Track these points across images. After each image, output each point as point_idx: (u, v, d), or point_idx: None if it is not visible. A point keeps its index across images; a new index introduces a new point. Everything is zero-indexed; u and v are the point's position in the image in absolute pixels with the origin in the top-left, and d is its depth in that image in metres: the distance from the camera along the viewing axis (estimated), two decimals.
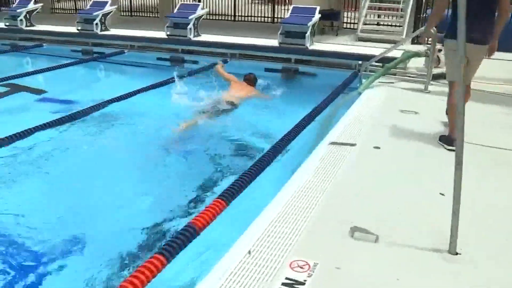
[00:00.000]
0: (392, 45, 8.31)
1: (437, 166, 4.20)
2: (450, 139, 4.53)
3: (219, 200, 3.66)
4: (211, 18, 17.78)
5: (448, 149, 4.49)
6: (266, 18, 17.07)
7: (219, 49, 10.34)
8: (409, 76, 8.15)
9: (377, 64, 8.18)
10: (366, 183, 3.86)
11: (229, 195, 3.74)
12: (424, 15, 12.17)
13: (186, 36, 10.66)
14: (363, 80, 7.83)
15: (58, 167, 5.26)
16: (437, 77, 7.56)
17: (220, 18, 17.70)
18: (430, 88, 7.12)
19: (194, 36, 10.78)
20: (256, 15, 17.32)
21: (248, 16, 17.42)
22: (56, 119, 6.13)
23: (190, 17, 10.58)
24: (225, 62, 9.75)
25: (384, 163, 4.30)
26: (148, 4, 18.99)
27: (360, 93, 7.19)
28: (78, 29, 12.13)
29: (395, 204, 3.46)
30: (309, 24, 9.50)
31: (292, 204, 3.42)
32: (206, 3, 18.53)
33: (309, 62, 9.64)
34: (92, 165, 5.35)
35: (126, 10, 19.20)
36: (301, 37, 9.55)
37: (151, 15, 18.01)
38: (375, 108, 6.21)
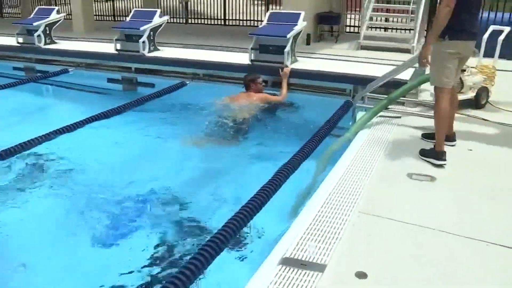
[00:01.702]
0: (399, 64, 6.01)
1: None
2: (437, 152, 4.13)
3: None
4: (199, 22, 15.73)
5: (438, 164, 4.07)
6: (258, 22, 14.89)
7: (177, 67, 8.13)
8: (423, 105, 5.91)
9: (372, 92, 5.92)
10: None
11: None
12: None
13: (138, 52, 8.45)
14: (358, 114, 5.60)
15: None
16: (461, 105, 5.38)
17: (209, 22, 15.58)
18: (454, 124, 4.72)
19: (150, 51, 8.56)
20: (248, 18, 15.15)
21: (239, 20, 15.26)
22: None
23: (142, 28, 8.35)
24: (183, 85, 7.56)
25: None
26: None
27: (352, 138, 4.99)
28: (18, 42, 10.00)
29: None
30: (289, 36, 7.17)
31: None
32: (193, 4, 16.42)
33: (291, 86, 7.27)
34: None
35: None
36: (279, 53, 7.27)
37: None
38: (367, 171, 3.98)
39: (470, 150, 4.50)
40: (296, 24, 7.46)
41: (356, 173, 3.96)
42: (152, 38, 8.60)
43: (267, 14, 8.13)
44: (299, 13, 7.70)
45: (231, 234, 3.41)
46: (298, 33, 7.57)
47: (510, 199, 3.49)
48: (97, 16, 16.69)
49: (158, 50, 8.77)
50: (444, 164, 4.08)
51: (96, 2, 17.23)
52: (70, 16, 13.43)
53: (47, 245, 3.71)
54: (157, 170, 5.01)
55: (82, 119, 6.13)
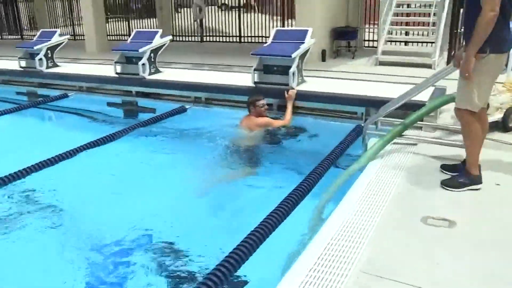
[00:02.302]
0: (418, 84, 5.35)
1: None
2: (474, 176, 3.67)
3: None
4: (215, 40, 15.36)
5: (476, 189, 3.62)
6: None
7: (179, 91, 7.64)
8: (444, 129, 5.25)
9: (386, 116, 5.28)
10: None
11: None
12: (461, 29, 9.18)
13: (138, 74, 7.98)
14: (369, 143, 4.97)
15: None
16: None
17: (225, 40, 15.19)
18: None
19: (150, 74, 8.09)
20: (262, 34, 14.70)
21: (255, 36, 14.82)
22: None
23: (141, 50, 7.89)
24: (183, 110, 7.06)
25: None
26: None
27: (361, 169, 4.38)
28: (20, 66, 9.69)
29: None
30: (294, 55, 6.57)
31: None
32: (208, 21, 16.08)
33: (296, 109, 6.65)
34: None
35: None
36: (284, 73, 6.69)
37: None
38: (375, 215, 3.34)
39: (498, 184, 3.81)
40: (303, 42, 6.86)
41: (362, 216, 3.35)
42: (153, 59, 8.14)
43: (273, 31, 7.56)
44: (307, 30, 7.09)
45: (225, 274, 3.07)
46: (306, 52, 6.97)
47: None
48: (112, 36, 16.51)
49: (160, 72, 8.30)
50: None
51: (110, 22, 17.08)
52: (83, 37, 13.27)
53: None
54: (152, 201, 4.63)
55: (76, 146, 5.76)
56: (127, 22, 17.37)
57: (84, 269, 3.57)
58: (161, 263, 3.64)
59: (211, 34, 15.86)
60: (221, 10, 20.17)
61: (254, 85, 6.96)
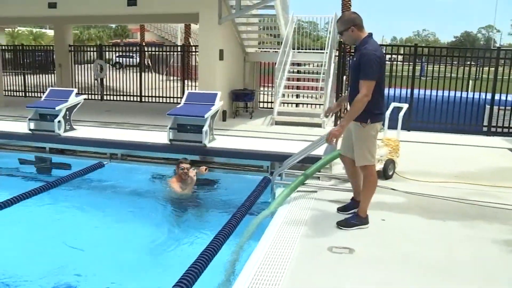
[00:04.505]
0: (314, 141, 6.35)
1: None
2: (365, 217, 4.63)
3: None
4: (115, 99, 15.73)
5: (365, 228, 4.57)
6: (174, 99, 15.19)
7: (95, 148, 8.05)
8: (337, 178, 6.28)
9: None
10: None
11: None
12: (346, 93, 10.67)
13: (54, 131, 8.27)
14: (277, 192, 5.81)
15: None
16: None
17: (126, 99, 15.63)
18: None
19: (65, 131, 8.42)
20: (164, 95, 15.41)
21: (155, 96, 15.48)
22: None
23: (58, 108, 8.25)
24: (101, 166, 7.47)
25: None
26: None
27: (272, 214, 5.14)
28: None
29: None
30: (206, 116, 7.41)
31: None
32: (109, 81, 16.45)
33: (210, 164, 7.43)
34: None
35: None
36: (197, 132, 7.45)
37: None
38: (290, 249, 4.11)
39: (383, 220, 4.82)
40: (213, 104, 7.73)
41: (279, 251, 4.07)
42: (68, 117, 8.50)
43: (185, 94, 8.34)
44: (216, 93, 8.00)
45: None
46: (216, 113, 7.84)
47: (425, 269, 3.76)
48: (7, 92, 16.30)
49: (74, 129, 8.65)
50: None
51: (5, 76, 16.83)
52: None
53: None
54: (72, 256, 4.80)
55: None
56: (22, 76, 17.24)
57: None
58: None
59: (110, 93, 16.22)
60: (116, 69, 20.63)
61: (169, 143, 7.60)
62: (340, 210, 5.06)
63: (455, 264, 3.88)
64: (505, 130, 10.73)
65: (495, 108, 10.71)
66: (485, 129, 10.81)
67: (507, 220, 4.93)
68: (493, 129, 10.71)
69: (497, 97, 10.67)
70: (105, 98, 16.03)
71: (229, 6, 10.99)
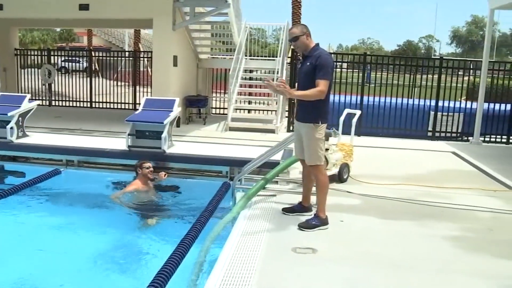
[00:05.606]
0: (272, 146, 6.56)
1: None
2: (325, 218, 4.85)
3: None
4: (65, 105, 15.41)
5: (325, 228, 4.79)
6: (127, 105, 15.07)
7: (51, 154, 7.93)
8: (294, 182, 6.49)
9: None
10: None
11: None
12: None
13: (6, 138, 8.09)
14: (238, 195, 5.95)
15: None
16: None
17: (75, 105, 15.34)
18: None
19: (18, 137, 8.24)
20: (115, 100, 15.24)
21: (106, 102, 15.29)
22: None
23: (10, 113, 8.07)
24: (57, 173, 7.37)
25: None
26: None
27: (235, 218, 5.28)
28: None
29: None
30: (165, 122, 7.48)
31: None
32: (57, 87, 16.08)
33: (169, 170, 7.49)
34: None
35: None
36: (156, 138, 7.50)
37: None
38: (254, 249, 4.27)
39: (342, 221, 5.07)
40: (172, 110, 7.80)
41: (245, 253, 4.21)
42: (21, 123, 8.32)
43: (143, 100, 8.37)
44: (174, 100, 8.08)
45: None
46: (174, 119, 7.90)
47: (385, 265, 4.01)
48: None
49: (27, 136, 8.47)
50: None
51: None
52: None
53: None
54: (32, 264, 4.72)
55: None
56: None
57: None
58: None
59: (59, 99, 15.88)
60: (61, 73, 20.16)
61: (128, 149, 7.60)
62: (285, 210, 5.28)
63: (411, 259, 4.17)
64: (448, 134, 11.38)
65: (439, 114, 11.36)
66: (430, 133, 11.43)
67: (454, 218, 5.33)
68: (437, 134, 11.35)
69: (440, 103, 11.32)
70: (53, 104, 15.66)
71: (183, 12, 11.08)
